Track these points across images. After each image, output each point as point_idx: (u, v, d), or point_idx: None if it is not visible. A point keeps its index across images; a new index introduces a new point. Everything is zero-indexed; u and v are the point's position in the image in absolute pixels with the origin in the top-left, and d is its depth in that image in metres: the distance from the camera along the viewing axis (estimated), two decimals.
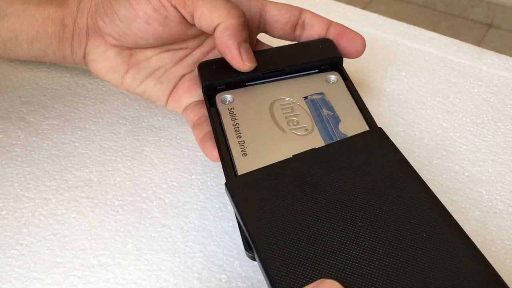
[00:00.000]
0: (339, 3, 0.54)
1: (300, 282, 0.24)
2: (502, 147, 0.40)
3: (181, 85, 0.37)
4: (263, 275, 0.25)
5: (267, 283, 0.25)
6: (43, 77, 0.44)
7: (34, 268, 0.32)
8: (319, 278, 0.24)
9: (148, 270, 0.32)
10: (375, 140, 0.30)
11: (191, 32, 0.36)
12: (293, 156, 0.30)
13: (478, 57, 0.48)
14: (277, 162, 0.30)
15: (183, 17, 0.34)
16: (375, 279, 0.24)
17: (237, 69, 0.34)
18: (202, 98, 0.36)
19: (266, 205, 0.27)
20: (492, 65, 0.47)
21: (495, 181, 0.37)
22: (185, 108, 0.37)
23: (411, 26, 0.51)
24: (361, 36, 0.36)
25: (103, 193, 0.36)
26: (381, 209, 0.27)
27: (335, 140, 0.31)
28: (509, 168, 0.38)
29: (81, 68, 0.45)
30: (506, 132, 0.41)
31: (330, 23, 0.37)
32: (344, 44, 0.36)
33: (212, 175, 0.37)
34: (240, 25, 0.33)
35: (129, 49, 0.36)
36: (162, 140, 0.39)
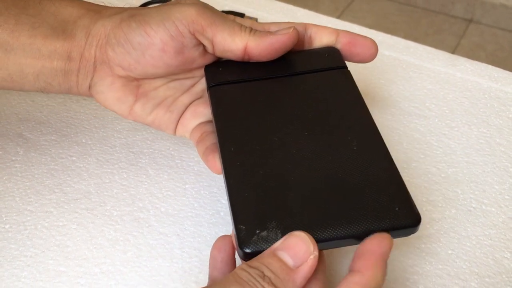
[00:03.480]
0: (318, 14, 0.57)
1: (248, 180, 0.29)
2: (476, 149, 0.42)
3: (188, 111, 0.38)
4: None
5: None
6: (38, 95, 0.46)
7: (39, 278, 0.34)
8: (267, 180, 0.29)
9: (148, 276, 0.34)
10: (342, 77, 0.36)
11: (200, 61, 0.37)
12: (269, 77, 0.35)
13: (452, 63, 0.51)
14: (253, 80, 0.35)
15: (198, 45, 0.35)
16: (305, 174, 0.29)
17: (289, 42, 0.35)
18: (207, 119, 0.38)
19: (236, 115, 0.33)
20: (465, 71, 0.50)
21: (469, 181, 0.40)
22: (192, 130, 0.38)
23: (388, 36, 0.54)
24: (371, 39, 0.37)
25: (101, 204, 0.38)
26: (328, 124, 0.32)
27: None
28: (482, 169, 0.41)
29: None
30: (479, 135, 0.43)
31: (337, 33, 0.37)
32: (357, 51, 0.37)
33: (205, 184, 0.39)
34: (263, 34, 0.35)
35: (136, 80, 0.37)
36: (156, 151, 0.42)
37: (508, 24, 1.83)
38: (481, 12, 1.86)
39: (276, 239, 0.27)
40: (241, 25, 0.35)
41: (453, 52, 1.78)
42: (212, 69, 0.37)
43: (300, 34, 0.37)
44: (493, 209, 0.38)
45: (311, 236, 0.26)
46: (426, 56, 0.51)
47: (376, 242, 0.27)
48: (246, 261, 0.27)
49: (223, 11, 0.55)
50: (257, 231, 0.27)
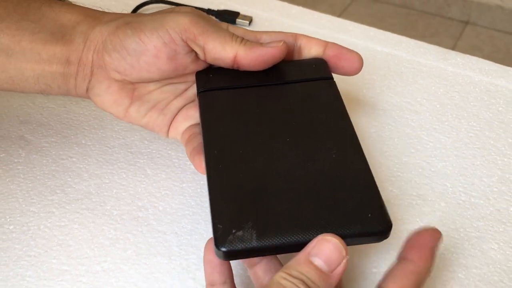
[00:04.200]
0: (313, 12, 0.58)
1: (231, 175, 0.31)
2: (465, 142, 0.43)
3: (179, 114, 0.39)
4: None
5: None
6: (38, 97, 0.47)
7: (43, 277, 0.35)
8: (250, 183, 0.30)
9: (147, 273, 0.35)
10: (327, 87, 0.37)
11: (193, 67, 0.38)
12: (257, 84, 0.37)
13: (444, 57, 0.51)
14: (242, 87, 0.37)
15: (190, 51, 0.36)
16: (284, 178, 0.31)
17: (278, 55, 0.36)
18: (197, 121, 0.39)
19: (222, 120, 0.35)
20: (457, 65, 0.51)
21: (459, 174, 0.41)
22: (183, 132, 0.39)
23: (381, 31, 0.55)
24: (357, 54, 0.38)
25: (102, 204, 0.39)
26: (310, 132, 0.34)
27: None
28: (471, 162, 0.42)
29: None
30: (469, 128, 0.45)
31: (326, 44, 0.38)
32: (342, 64, 0.38)
33: (202, 182, 0.41)
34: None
35: (132, 83, 0.38)
36: (153, 151, 0.43)
37: (505, 26, 1.83)
38: (478, 14, 1.86)
39: (251, 240, 0.28)
40: (232, 35, 0.36)
41: None
42: (203, 75, 0.38)
43: (290, 45, 0.38)
44: (481, 202, 0.39)
45: (342, 240, 0.27)
46: (417, 50, 0.52)
47: (429, 235, 0.29)
48: (224, 259, 0.28)
49: (218, 10, 0.56)
50: (233, 231, 0.28)
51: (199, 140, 0.37)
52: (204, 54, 0.36)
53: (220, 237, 0.28)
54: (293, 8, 0.58)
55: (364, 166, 0.31)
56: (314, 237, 0.28)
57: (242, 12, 0.56)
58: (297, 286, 0.26)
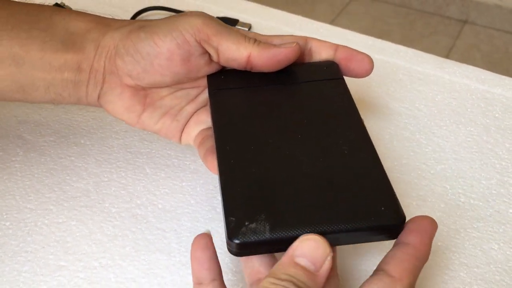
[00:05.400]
0: (312, 21, 0.58)
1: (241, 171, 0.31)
2: (463, 147, 0.44)
3: (192, 119, 0.39)
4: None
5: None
6: None
7: (40, 272, 0.34)
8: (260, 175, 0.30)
9: (146, 269, 0.35)
10: (337, 86, 0.37)
11: (206, 70, 0.38)
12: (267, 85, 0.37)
13: (441, 66, 0.52)
14: (253, 87, 0.37)
15: (204, 53, 0.36)
16: (297, 176, 0.30)
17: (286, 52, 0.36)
18: (209, 125, 0.39)
19: (233, 118, 0.35)
20: (454, 73, 0.51)
21: (458, 176, 0.41)
22: (195, 137, 0.39)
23: (379, 40, 0.55)
24: (368, 56, 0.38)
25: (100, 202, 0.39)
26: (321, 129, 0.34)
27: None
28: (469, 165, 0.42)
29: None
30: (467, 133, 0.45)
31: (336, 47, 0.38)
32: (353, 66, 0.38)
33: (201, 181, 0.40)
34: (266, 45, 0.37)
35: (144, 89, 0.38)
36: (153, 151, 0.43)
37: (503, 25, 1.85)
38: (476, 13, 1.88)
39: (264, 232, 0.27)
40: (245, 36, 0.36)
41: (448, 53, 1.80)
42: (214, 77, 0.38)
43: (301, 48, 0.38)
44: (481, 203, 0.39)
45: (324, 238, 0.27)
46: (415, 59, 0.53)
47: (429, 222, 0.29)
48: (236, 255, 0.28)
49: (217, 17, 0.57)
50: (246, 223, 0.28)
51: (211, 142, 0.36)
52: (218, 55, 0.36)
53: (233, 230, 0.28)
54: (292, 17, 0.58)
55: (375, 161, 0.31)
56: (327, 229, 0.28)
57: (241, 20, 0.57)
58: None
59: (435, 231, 0.29)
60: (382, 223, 0.28)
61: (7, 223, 0.37)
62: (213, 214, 0.38)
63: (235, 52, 0.35)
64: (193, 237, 0.36)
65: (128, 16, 0.57)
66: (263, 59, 0.36)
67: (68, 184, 0.40)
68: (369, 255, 0.36)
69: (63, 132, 0.44)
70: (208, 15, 0.37)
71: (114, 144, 0.43)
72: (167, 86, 0.38)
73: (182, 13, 0.38)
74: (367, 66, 0.38)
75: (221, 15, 0.58)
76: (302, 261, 0.26)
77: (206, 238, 0.30)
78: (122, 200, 0.39)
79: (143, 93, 0.38)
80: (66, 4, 0.56)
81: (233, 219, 0.28)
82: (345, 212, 0.28)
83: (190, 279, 0.34)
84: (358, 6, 1.97)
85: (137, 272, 0.34)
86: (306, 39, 0.39)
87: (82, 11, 0.39)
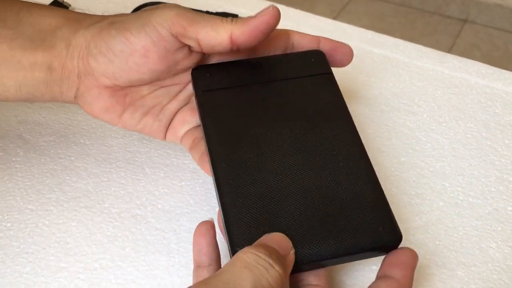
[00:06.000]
0: (311, 14, 0.58)
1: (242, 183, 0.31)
2: (463, 143, 0.44)
3: (176, 119, 0.39)
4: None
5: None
6: None
7: (41, 273, 0.35)
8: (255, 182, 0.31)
9: (146, 270, 0.35)
10: (327, 84, 0.37)
11: (185, 63, 0.37)
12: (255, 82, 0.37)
13: (441, 61, 0.52)
14: (241, 85, 0.36)
15: (182, 47, 0.35)
16: (292, 191, 0.31)
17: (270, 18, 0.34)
18: (196, 124, 0.38)
19: (224, 124, 0.34)
20: (453, 68, 0.51)
21: (456, 174, 0.41)
22: (182, 137, 0.39)
23: (378, 34, 0.55)
24: (349, 46, 0.39)
25: (100, 202, 0.39)
26: (314, 140, 0.33)
27: None
28: (468, 162, 0.42)
29: None
30: (466, 130, 0.45)
31: (319, 40, 0.38)
32: (336, 57, 0.39)
33: (200, 181, 0.40)
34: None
35: (123, 88, 0.37)
36: (152, 150, 0.43)
37: (503, 24, 1.84)
38: (476, 12, 1.87)
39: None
40: (222, 18, 0.35)
41: (448, 52, 1.78)
42: (199, 75, 0.37)
43: (283, 42, 0.38)
44: (479, 201, 0.39)
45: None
46: (415, 53, 0.53)
47: (410, 255, 0.29)
48: None
49: (217, 13, 0.56)
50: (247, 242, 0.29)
51: (204, 145, 0.36)
52: (199, 44, 0.35)
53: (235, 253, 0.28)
54: (291, 11, 0.58)
55: (371, 176, 0.31)
56: (326, 251, 0.28)
57: (240, 15, 0.57)
58: (263, 258, 0.26)
59: (416, 263, 0.30)
60: (380, 244, 0.29)
61: (8, 224, 0.38)
62: (212, 214, 0.38)
63: (216, 37, 0.34)
64: (192, 237, 0.37)
65: (127, 12, 0.56)
66: (245, 34, 0.34)
67: (68, 184, 0.40)
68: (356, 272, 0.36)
69: (63, 132, 0.44)
70: (182, 6, 0.35)
71: (114, 143, 0.43)
72: (146, 84, 0.37)
73: (155, 5, 0.37)
74: (349, 57, 0.39)
75: (220, 10, 0.58)
76: (273, 244, 0.28)
77: (208, 225, 0.31)
78: (122, 200, 0.39)
79: (122, 92, 0.37)
80: (65, 0, 0.56)
81: (236, 243, 0.29)
82: (344, 232, 0.29)
83: (189, 280, 0.34)
84: (357, 5, 1.96)
85: (137, 273, 0.35)
86: (287, 32, 0.38)
87: (78, 6, 0.38)
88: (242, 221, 0.30)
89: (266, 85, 0.37)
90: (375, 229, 0.29)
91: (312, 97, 0.36)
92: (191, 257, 0.35)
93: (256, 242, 0.28)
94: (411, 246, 0.36)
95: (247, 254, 0.26)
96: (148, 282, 0.34)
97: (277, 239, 0.28)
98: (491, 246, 0.37)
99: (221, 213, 0.31)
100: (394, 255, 0.29)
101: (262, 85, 0.36)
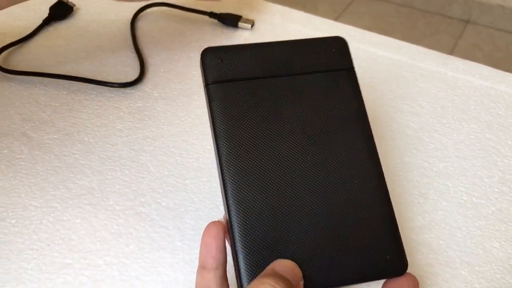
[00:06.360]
0: (314, 16, 0.58)
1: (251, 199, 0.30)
2: (466, 144, 0.44)
3: None
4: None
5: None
6: (41, 95, 0.47)
7: (45, 270, 0.35)
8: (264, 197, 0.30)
9: (150, 267, 0.35)
10: (346, 82, 0.35)
11: None
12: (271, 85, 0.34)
13: (444, 63, 0.52)
14: (254, 78, 0.34)
15: None
16: (304, 212, 0.30)
17: None
18: None
19: (237, 125, 0.32)
20: (457, 70, 0.51)
21: (460, 174, 0.41)
22: None
23: (382, 36, 0.55)
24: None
25: (104, 199, 0.39)
26: (327, 155, 0.32)
27: None
28: (471, 163, 0.42)
29: (78, 85, 0.48)
30: (469, 131, 0.45)
31: None
32: None
33: (204, 179, 0.41)
34: None
35: None
36: (156, 149, 0.43)
37: (505, 25, 1.84)
38: (478, 13, 1.87)
39: None
40: None
41: (450, 53, 1.79)
42: (211, 60, 0.34)
43: None
44: (482, 201, 0.39)
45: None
46: (418, 55, 0.53)
47: (412, 282, 0.29)
48: None
49: (220, 13, 0.57)
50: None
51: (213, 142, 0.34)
52: None
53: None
54: (295, 13, 0.58)
55: (385, 202, 0.31)
56: (333, 279, 0.28)
57: (244, 16, 0.57)
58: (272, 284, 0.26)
59: None
60: (386, 273, 0.29)
61: (13, 221, 0.38)
62: (216, 212, 0.38)
63: None
64: (196, 235, 0.37)
65: (131, 13, 0.57)
66: None
67: (73, 181, 0.40)
68: None
69: (68, 130, 0.44)
70: None
71: (118, 141, 0.44)
72: None
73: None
74: None
75: (224, 11, 0.58)
76: (284, 273, 0.27)
77: (219, 227, 0.31)
78: (126, 198, 0.39)
79: None
80: (70, 0, 0.56)
81: (248, 270, 0.29)
82: (351, 263, 0.29)
83: (193, 278, 0.34)
84: (360, 5, 1.96)
85: (141, 270, 0.35)
86: None
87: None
88: (252, 244, 0.29)
89: (282, 80, 0.34)
90: (382, 258, 0.29)
91: (331, 100, 0.34)
92: (195, 255, 0.36)
93: (270, 269, 0.28)
94: (414, 245, 0.36)
95: (265, 285, 0.26)
96: (152, 279, 0.34)
97: (290, 267, 0.28)
98: (494, 246, 0.37)
99: (230, 230, 0.30)
100: (397, 283, 0.29)
101: (278, 79, 0.34)
